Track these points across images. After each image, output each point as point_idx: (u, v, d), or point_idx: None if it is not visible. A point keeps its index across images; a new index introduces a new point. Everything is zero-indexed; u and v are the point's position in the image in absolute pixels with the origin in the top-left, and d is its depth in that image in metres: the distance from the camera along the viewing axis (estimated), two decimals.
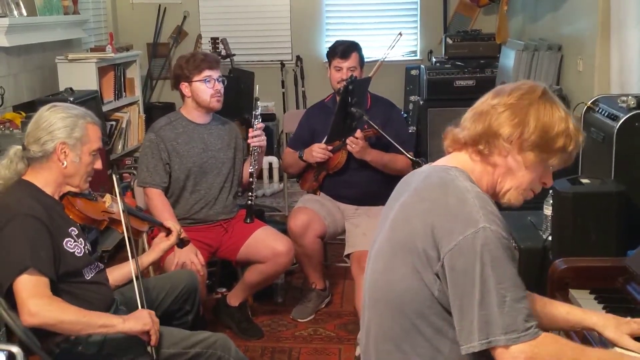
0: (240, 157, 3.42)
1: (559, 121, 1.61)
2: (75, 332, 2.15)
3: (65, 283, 2.19)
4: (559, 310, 1.83)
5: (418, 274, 1.58)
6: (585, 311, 1.85)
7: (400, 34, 5.00)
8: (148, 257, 2.62)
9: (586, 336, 1.79)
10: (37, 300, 2.05)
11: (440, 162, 1.74)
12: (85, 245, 2.31)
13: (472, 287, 1.49)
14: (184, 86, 3.26)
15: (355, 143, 3.34)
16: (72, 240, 2.25)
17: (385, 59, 4.70)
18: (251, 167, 3.35)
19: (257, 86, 3.45)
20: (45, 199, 2.25)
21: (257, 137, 3.31)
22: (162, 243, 2.64)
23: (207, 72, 3.22)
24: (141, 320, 2.19)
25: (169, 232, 2.65)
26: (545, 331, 1.64)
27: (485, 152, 1.64)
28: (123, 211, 2.38)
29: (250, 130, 3.32)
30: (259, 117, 3.34)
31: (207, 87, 3.22)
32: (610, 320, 1.77)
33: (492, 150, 1.63)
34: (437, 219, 1.55)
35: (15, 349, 1.16)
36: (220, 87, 3.25)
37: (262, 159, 3.46)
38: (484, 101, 1.68)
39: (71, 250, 2.23)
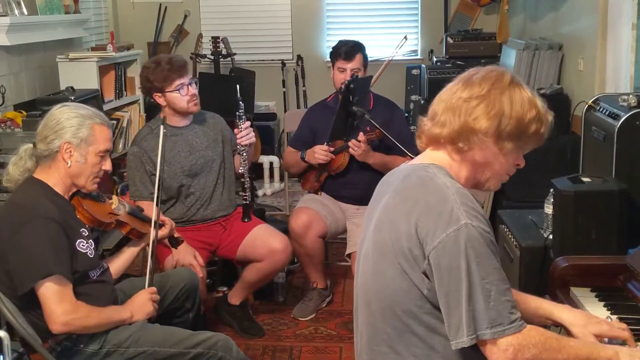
0: (229, 149, 3.38)
1: (530, 107, 1.62)
2: (97, 331, 2.24)
3: (75, 284, 2.20)
4: (530, 304, 1.83)
5: (406, 275, 1.59)
6: (556, 306, 1.85)
7: (405, 37, 5.03)
8: (137, 245, 2.62)
9: None
10: (65, 309, 2.11)
11: (418, 160, 1.74)
12: (93, 245, 2.32)
13: (458, 283, 1.50)
14: (158, 96, 3.19)
15: (357, 147, 3.34)
16: (84, 241, 2.26)
17: (393, 59, 4.72)
18: (242, 168, 3.33)
19: (238, 86, 3.39)
20: (58, 199, 2.25)
21: (245, 137, 3.29)
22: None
23: (178, 81, 3.13)
24: (145, 310, 2.35)
25: (161, 227, 2.67)
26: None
27: (465, 149, 1.64)
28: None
29: (236, 130, 3.30)
30: (243, 117, 3.29)
31: (181, 95, 3.15)
32: (578, 318, 1.77)
33: (472, 147, 1.63)
34: (420, 218, 1.56)
35: (2, 334, 1.13)
36: (194, 90, 3.19)
37: (251, 153, 3.42)
38: (454, 93, 1.65)
39: (84, 251, 2.24)
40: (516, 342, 1.50)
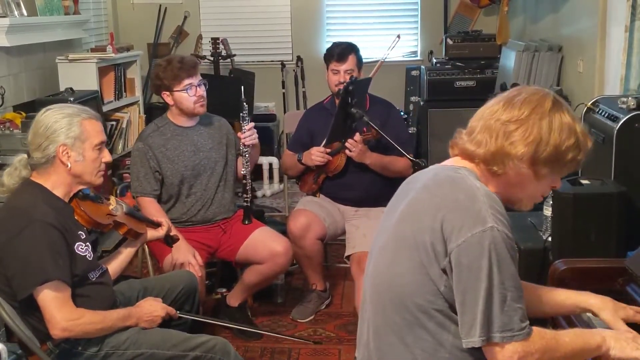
0: (233, 152, 3.39)
1: (569, 134, 1.63)
2: (96, 336, 2.25)
3: (74, 286, 2.20)
4: (559, 296, 1.89)
5: (424, 269, 1.60)
6: (581, 294, 1.90)
7: (398, 36, 5.02)
8: (134, 245, 2.62)
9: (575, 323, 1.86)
10: (66, 315, 2.11)
11: (448, 162, 1.76)
12: (90, 248, 2.32)
13: (477, 283, 1.52)
14: (166, 95, 3.21)
15: (354, 146, 3.34)
16: (83, 244, 2.25)
17: (385, 60, 4.68)
18: (244, 169, 3.33)
19: (242, 87, 3.40)
20: (57, 202, 2.24)
21: (248, 137, 3.30)
22: (149, 233, 2.67)
23: (187, 81, 3.15)
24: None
25: (158, 226, 2.70)
26: (545, 319, 1.78)
27: (498, 173, 1.66)
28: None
29: (240, 133, 3.30)
30: (247, 118, 3.30)
31: (189, 96, 3.17)
32: (608, 303, 1.84)
33: (506, 170, 1.65)
34: (447, 215, 1.57)
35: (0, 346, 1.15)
36: (202, 91, 3.21)
37: (255, 155, 3.43)
38: (494, 114, 1.66)
39: (83, 254, 2.24)
40: (521, 349, 1.53)
